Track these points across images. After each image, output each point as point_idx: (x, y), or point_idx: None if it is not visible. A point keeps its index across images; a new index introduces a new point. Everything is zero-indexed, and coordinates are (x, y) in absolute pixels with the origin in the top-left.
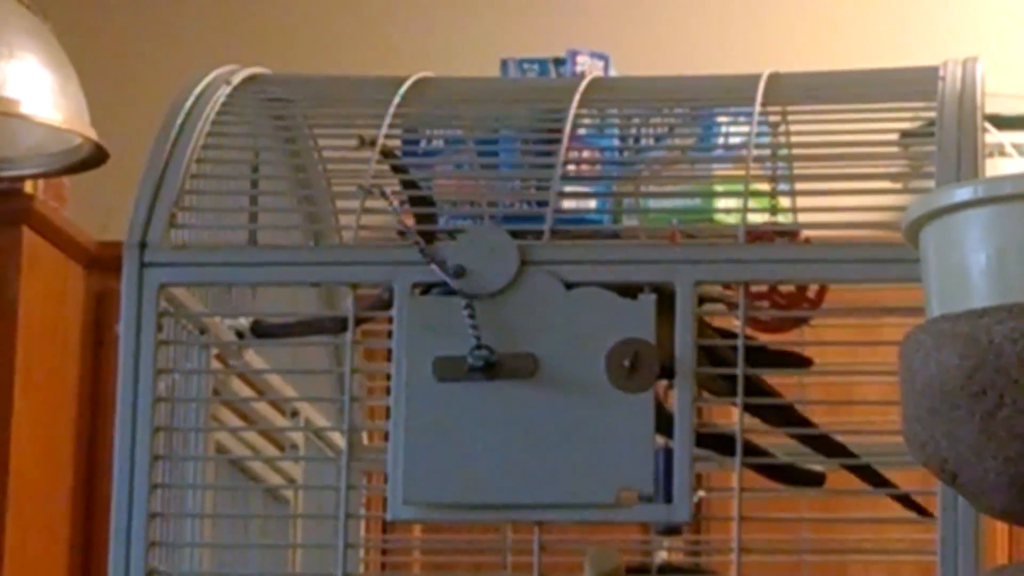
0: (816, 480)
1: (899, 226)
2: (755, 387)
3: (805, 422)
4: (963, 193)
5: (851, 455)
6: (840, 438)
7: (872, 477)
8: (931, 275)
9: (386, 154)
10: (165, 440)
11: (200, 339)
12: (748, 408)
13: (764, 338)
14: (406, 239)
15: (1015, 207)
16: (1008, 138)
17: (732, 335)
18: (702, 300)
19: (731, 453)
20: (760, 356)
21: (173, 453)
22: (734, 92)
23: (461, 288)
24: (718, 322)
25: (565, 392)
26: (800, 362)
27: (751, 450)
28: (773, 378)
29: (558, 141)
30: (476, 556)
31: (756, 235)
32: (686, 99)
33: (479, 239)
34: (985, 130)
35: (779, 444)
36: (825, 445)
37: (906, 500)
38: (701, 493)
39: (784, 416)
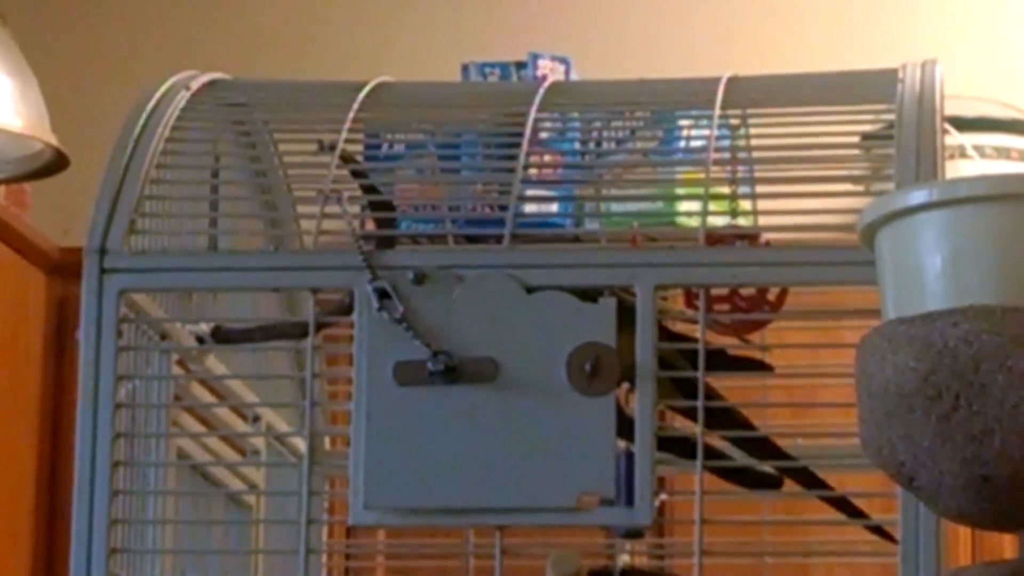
0: (774, 482)
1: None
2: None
3: (751, 428)
4: (918, 196)
5: (795, 460)
6: (802, 441)
7: (815, 481)
8: (886, 278)
9: (346, 159)
10: (126, 446)
11: (161, 345)
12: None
13: (724, 341)
14: (361, 249)
15: (970, 210)
16: (968, 140)
17: (685, 339)
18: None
19: (690, 456)
20: (720, 360)
21: (134, 459)
22: (694, 95)
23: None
24: (674, 327)
25: (526, 396)
26: (761, 367)
27: (710, 453)
28: (734, 381)
29: (519, 145)
30: (439, 560)
31: (716, 238)
32: (647, 102)
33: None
34: (945, 132)
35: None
36: (772, 452)
37: (843, 504)
38: (663, 496)
39: (734, 421)
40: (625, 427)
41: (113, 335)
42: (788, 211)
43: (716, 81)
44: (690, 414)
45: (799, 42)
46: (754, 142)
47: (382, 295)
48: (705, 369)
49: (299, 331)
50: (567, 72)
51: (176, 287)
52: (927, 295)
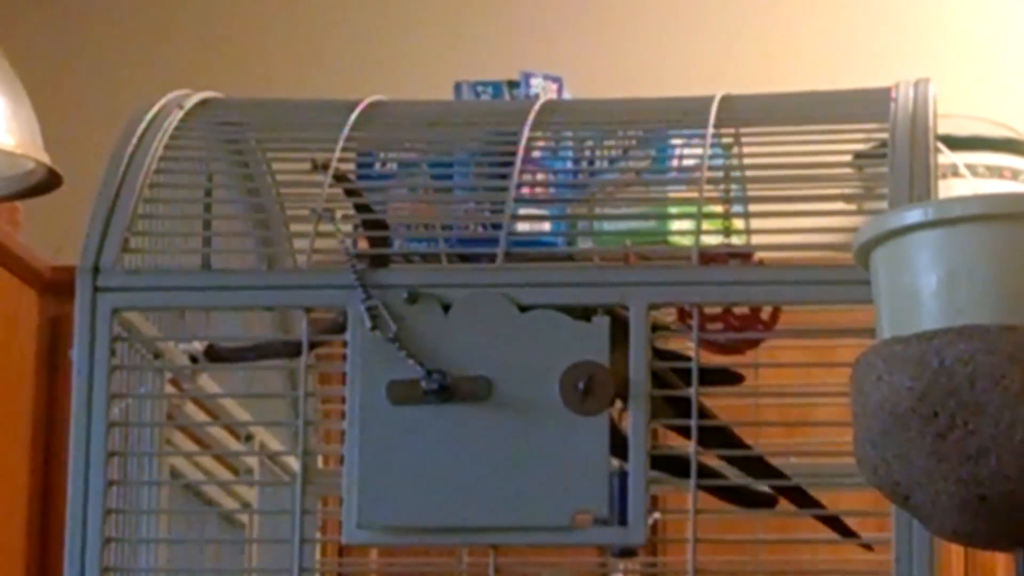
0: (769, 501)
1: (852, 248)
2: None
3: (745, 447)
4: (913, 215)
5: (788, 479)
6: (795, 460)
7: (807, 500)
8: (882, 297)
9: (339, 178)
10: (119, 465)
11: (154, 363)
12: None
13: (718, 360)
14: (355, 267)
15: (965, 229)
16: (961, 159)
17: (674, 356)
18: (654, 328)
19: (683, 475)
20: (702, 375)
21: (127, 478)
22: (687, 114)
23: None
24: (666, 346)
25: (519, 415)
26: (732, 378)
27: (705, 472)
28: (728, 400)
29: (512, 163)
30: None
31: (710, 257)
32: (640, 121)
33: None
34: (938, 151)
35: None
36: (764, 469)
37: (835, 523)
38: (656, 515)
39: (724, 440)
40: (619, 446)
41: (106, 354)
42: (781, 230)
43: (709, 100)
44: (684, 432)
45: (792, 61)
46: (747, 161)
47: (375, 314)
48: (685, 385)
49: (292, 350)
50: (560, 91)
51: (169, 306)
52: (922, 314)
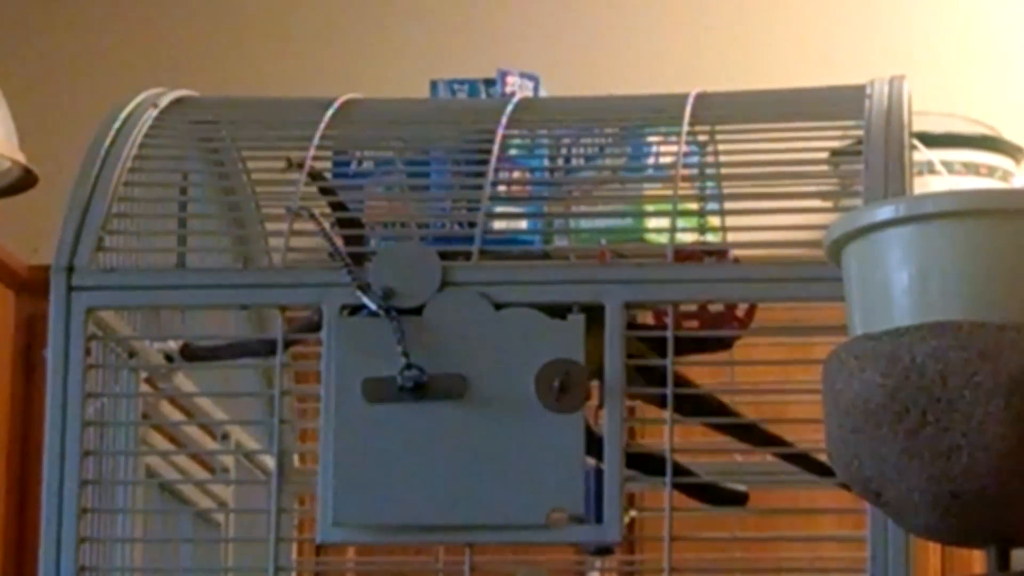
0: (739, 499)
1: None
2: (679, 382)
3: (732, 414)
4: (884, 212)
5: (784, 443)
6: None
7: (811, 465)
8: (854, 294)
9: (314, 176)
10: (95, 464)
11: (129, 362)
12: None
13: (692, 358)
14: (335, 261)
15: (936, 226)
16: (937, 156)
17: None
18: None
19: (657, 474)
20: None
21: (103, 477)
22: (663, 112)
23: (389, 308)
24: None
25: (495, 413)
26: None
27: (679, 471)
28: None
29: (488, 162)
30: None
31: (685, 255)
32: (616, 119)
33: (400, 258)
34: (914, 148)
35: (704, 464)
36: (757, 435)
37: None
38: (632, 513)
39: (709, 409)
40: (594, 444)
41: (81, 353)
42: (757, 227)
43: (684, 97)
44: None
45: (767, 58)
46: (723, 158)
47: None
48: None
49: (268, 348)
50: (535, 89)
51: (144, 304)
52: (894, 311)
